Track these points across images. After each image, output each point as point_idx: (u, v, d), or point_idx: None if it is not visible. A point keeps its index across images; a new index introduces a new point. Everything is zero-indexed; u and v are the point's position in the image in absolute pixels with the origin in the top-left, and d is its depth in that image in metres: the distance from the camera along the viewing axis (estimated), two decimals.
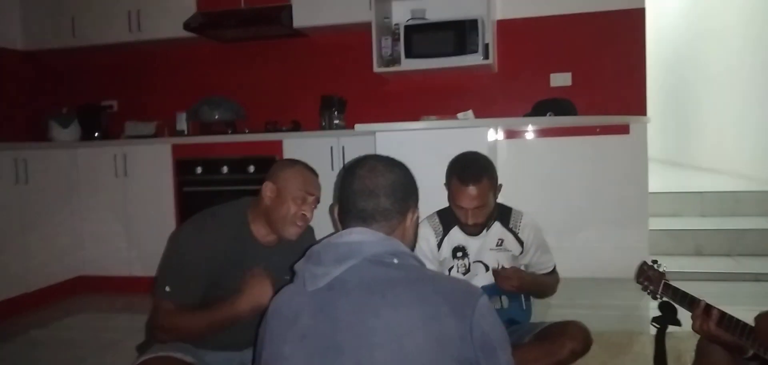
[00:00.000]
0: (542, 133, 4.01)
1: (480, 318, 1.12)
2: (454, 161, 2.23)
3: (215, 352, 1.96)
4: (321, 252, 1.19)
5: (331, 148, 3.74)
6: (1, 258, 3.66)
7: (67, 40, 4.51)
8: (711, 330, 1.52)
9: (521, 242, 2.30)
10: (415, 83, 4.30)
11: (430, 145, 3.03)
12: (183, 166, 4.00)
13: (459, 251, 2.29)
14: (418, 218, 1.35)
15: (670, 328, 1.81)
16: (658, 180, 5.50)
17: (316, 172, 2.02)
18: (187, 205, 3.94)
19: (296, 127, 4.22)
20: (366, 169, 1.27)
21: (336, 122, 4.13)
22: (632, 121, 3.85)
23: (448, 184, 2.20)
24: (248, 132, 4.20)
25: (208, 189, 3.90)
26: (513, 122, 3.93)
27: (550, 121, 3.66)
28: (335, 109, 4.15)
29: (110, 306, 3.93)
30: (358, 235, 1.20)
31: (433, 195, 2.29)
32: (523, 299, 2.35)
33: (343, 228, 1.24)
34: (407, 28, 3.98)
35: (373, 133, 3.21)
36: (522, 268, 2.36)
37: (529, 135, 4.07)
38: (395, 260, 1.18)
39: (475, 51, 3.85)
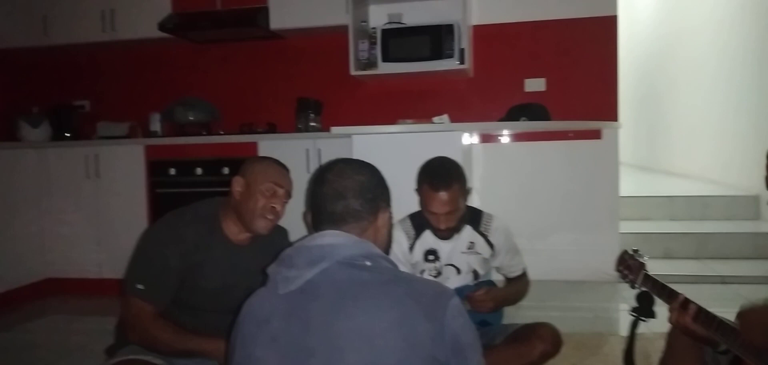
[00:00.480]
0: (516, 137, 4.05)
1: (451, 320, 1.13)
2: (424, 168, 2.25)
3: (186, 359, 1.94)
4: (293, 255, 1.20)
5: (307, 150, 3.73)
6: None
7: (38, 38, 4.45)
8: (687, 324, 1.55)
9: (492, 245, 2.33)
10: (392, 87, 4.32)
11: (406, 148, 3.05)
12: (156, 167, 3.96)
13: (430, 255, 2.31)
14: (390, 218, 1.36)
15: (640, 329, 1.84)
16: (629, 185, 5.61)
17: (287, 167, 2.02)
18: (160, 207, 3.90)
19: (272, 129, 4.21)
20: (334, 173, 1.27)
21: (312, 124, 4.12)
22: (604, 126, 3.92)
23: (419, 190, 2.23)
24: (223, 134, 4.18)
25: (182, 191, 3.87)
26: (488, 126, 3.97)
27: (524, 125, 3.70)
28: (311, 111, 4.15)
29: (79, 308, 3.87)
30: (331, 238, 1.20)
31: (409, 198, 2.32)
32: None
33: (315, 232, 1.24)
34: (384, 31, 4.01)
35: (350, 136, 3.22)
36: (493, 271, 2.39)
37: (504, 139, 4.12)
38: (368, 263, 1.18)
39: (451, 56, 3.89)
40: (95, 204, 4.06)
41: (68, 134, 4.45)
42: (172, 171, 3.92)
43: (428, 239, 2.31)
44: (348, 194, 1.24)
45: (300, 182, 2.07)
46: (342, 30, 4.00)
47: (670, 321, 1.60)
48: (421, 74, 4.07)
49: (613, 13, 4.05)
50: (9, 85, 4.78)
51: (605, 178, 3.94)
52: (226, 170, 3.79)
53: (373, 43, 4.06)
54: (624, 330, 1.87)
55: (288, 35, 4.33)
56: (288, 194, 1.98)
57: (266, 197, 1.90)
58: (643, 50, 8.45)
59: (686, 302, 1.56)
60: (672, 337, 1.71)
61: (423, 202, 2.21)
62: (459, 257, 2.32)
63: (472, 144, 3.85)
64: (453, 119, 3.54)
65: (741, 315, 1.42)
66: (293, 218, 2.14)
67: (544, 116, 3.67)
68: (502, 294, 2.34)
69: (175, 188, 3.91)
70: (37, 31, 4.42)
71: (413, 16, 4.09)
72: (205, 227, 1.95)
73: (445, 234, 2.26)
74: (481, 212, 2.38)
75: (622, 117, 4.21)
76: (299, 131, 4.11)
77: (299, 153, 3.72)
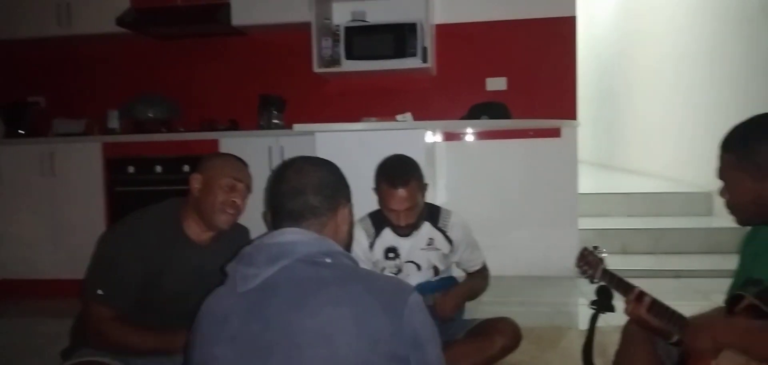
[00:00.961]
0: (478, 135, 4.11)
1: (410, 315, 1.14)
2: (381, 167, 2.28)
3: (145, 359, 1.91)
4: (252, 253, 1.19)
5: (270, 148, 3.71)
6: None
7: None
8: (642, 315, 1.61)
9: (450, 241, 2.36)
10: (355, 85, 4.32)
11: (369, 146, 3.05)
12: (114, 165, 3.88)
13: (391, 252, 2.33)
14: (351, 214, 1.36)
15: (598, 323, 1.90)
16: (588, 182, 5.73)
17: (246, 162, 2.01)
18: (119, 205, 3.83)
19: (234, 126, 4.17)
20: (293, 170, 1.28)
21: (275, 121, 4.10)
22: (563, 125, 4.00)
23: (378, 189, 2.25)
24: (183, 131, 4.12)
25: (141, 189, 3.80)
26: (450, 124, 4.01)
27: (485, 124, 3.75)
28: (274, 108, 4.12)
29: (34, 310, 3.76)
30: (291, 235, 1.20)
31: (370, 196, 2.33)
32: None
33: (275, 230, 1.24)
34: (347, 29, 4.01)
35: (312, 133, 3.21)
36: (453, 266, 2.43)
37: (466, 138, 4.16)
38: (328, 260, 1.18)
39: (414, 54, 3.91)
40: (51, 203, 3.96)
41: (22, 131, 4.31)
42: (131, 169, 3.85)
43: (388, 236, 2.33)
44: (307, 190, 1.24)
45: (262, 179, 2.05)
46: (305, 27, 3.98)
47: (627, 312, 1.65)
48: (385, 72, 4.08)
49: (573, 13, 4.13)
50: None
51: (565, 175, 4.02)
52: (186, 168, 3.73)
53: (336, 41, 4.06)
54: (582, 324, 1.93)
55: (250, 32, 4.29)
56: (248, 189, 1.97)
57: (225, 192, 1.89)
58: (602, 51, 8.63)
59: (641, 294, 1.62)
60: (627, 332, 1.77)
61: (382, 200, 2.23)
62: (419, 253, 2.34)
63: (435, 142, 3.88)
64: (416, 117, 3.56)
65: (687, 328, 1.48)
66: (254, 217, 2.12)
67: (505, 115, 3.73)
68: (461, 292, 2.37)
69: (134, 187, 3.84)
70: None
71: (376, 15, 4.10)
72: (166, 228, 1.92)
73: (405, 231, 2.28)
74: (440, 209, 2.41)
75: (582, 116, 4.30)
76: (262, 128, 4.08)
77: (261, 151, 3.69)
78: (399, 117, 3.40)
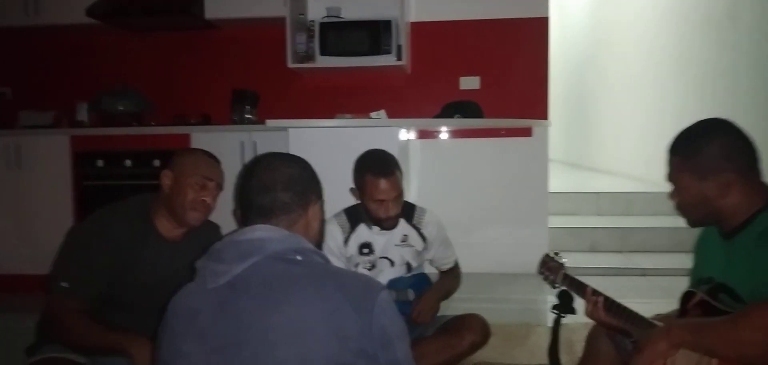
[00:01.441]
0: (451, 134, 4.14)
1: (380, 313, 1.14)
2: (363, 160, 2.28)
3: (112, 357, 1.89)
4: (222, 250, 1.19)
5: (242, 143, 3.68)
6: None
7: None
8: (600, 316, 1.65)
9: (424, 238, 2.39)
10: (330, 81, 4.31)
11: (343, 143, 3.05)
12: (83, 159, 3.81)
13: (365, 248, 2.34)
14: (322, 210, 1.36)
15: (565, 320, 1.94)
16: (558, 181, 5.81)
17: (218, 159, 1.99)
18: (88, 200, 3.76)
19: (206, 120, 4.13)
20: (263, 166, 1.27)
21: (248, 116, 4.06)
22: (535, 124, 4.05)
23: (361, 182, 2.24)
24: (154, 125, 4.06)
25: (110, 184, 3.74)
26: (423, 122, 4.03)
27: (458, 122, 3.78)
28: (247, 103, 4.09)
29: None
30: (261, 232, 1.20)
31: (345, 192, 2.34)
32: None
33: (245, 227, 1.24)
34: (322, 25, 3.99)
35: (286, 129, 3.20)
36: (426, 263, 2.45)
37: (439, 136, 4.19)
38: (298, 258, 1.18)
39: (389, 52, 3.92)
40: (16, 197, 3.87)
41: None
42: (100, 163, 3.79)
43: (363, 232, 2.34)
44: (277, 186, 1.24)
45: (235, 175, 2.03)
46: (279, 22, 3.96)
47: (586, 313, 1.69)
48: (359, 69, 4.08)
49: (545, 14, 4.18)
50: None
51: (535, 174, 4.07)
52: (157, 163, 3.68)
53: (311, 37, 4.04)
54: (551, 321, 1.97)
55: (223, 25, 4.24)
56: (219, 187, 1.96)
57: (196, 191, 1.88)
58: (573, 52, 8.75)
59: (597, 295, 1.66)
60: (591, 337, 1.82)
61: (366, 193, 2.22)
62: (393, 250, 2.36)
63: (408, 140, 3.90)
64: (390, 115, 3.57)
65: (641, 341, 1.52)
66: (225, 214, 2.11)
67: (478, 114, 3.76)
68: (437, 296, 2.39)
69: (104, 181, 3.77)
70: None
71: (351, 11, 4.10)
72: (136, 223, 1.91)
73: (389, 224, 2.28)
74: (414, 206, 2.43)
75: (553, 116, 4.36)
76: (234, 123, 4.04)
77: (234, 146, 3.66)
78: (373, 114, 3.41)
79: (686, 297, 1.56)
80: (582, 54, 8.53)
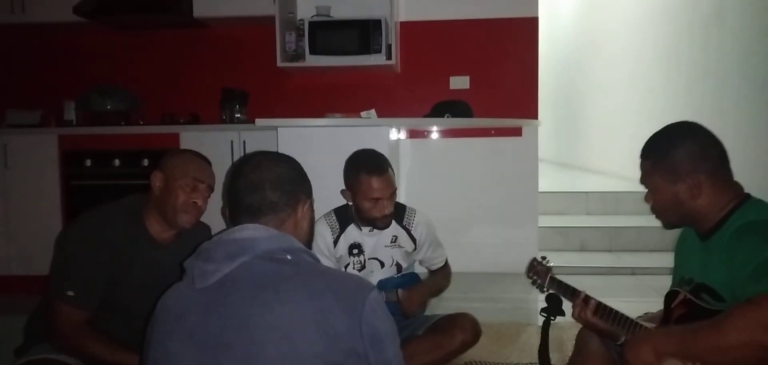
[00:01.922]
0: (441, 133, 4.14)
1: (370, 313, 1.14)
2: (356, 159, 2.28)
3: None
4: (211, 249, 1.18)
5: (232, 142, 3.67)
6: None
7: None
8: (588, 319, 1.66)
9: (414, 239, 2.38)
10: (319, 80, 4.30)
11: (332, 142, 3.05)
12: (71, 158, 3.78)
13: (355, 249, 2.33)
14: (311, 209, 1.35)
15: (555, 319, 1.95)
16: (548, 181, 5.84)
17: (209, 160, 1.98)
18: (76, 200, 3.73)
19: (195, 120, 4.10)
20: (252, 165, 1.26)
21: (237, 115, 4.05)
22: (524, 124, 4.06)
23: (355, 181, 2.23)
24: (143, 124, 4.04)
25: (99, 183, 3.71)
26: (413, 122, 4.03)
27: (448, 122, 3.79)
28: (237, 102, 4.07)
29: None
30: (250, 231, 1.19)
31: (335, 192, 2.33)
32: None
33: (233, 226, 1.23)
34: (312, 24, 3.98)
35: (275, 128, 3.19)
36: (417, 263, 2.45)
37: (429, 135, 4.19)
38: (288, 257, 1.18)
39: (379, 51, 3.91)
40: (4, 197, 3.82)
41: None
42: (89, 162, 3.76)
43: (353, 233, 2.33)
44: (265, 186, 1.24)
45: (224, 174, 2.03)
46: (269, 20, 3.94)
47: (574, 316, 1.70)
48: (349, 68, 4.07)
49: (535, 14, 4.19)
50: None
51: (525, 174, 4.09)
52: (146, 162, 3.67)
53: (300, 35, 4.03)
54: (541, 322, 1.98)
55: (212, 24, 4.22)
56: (210, 188, 1.94)
57: (186, 193, 1.86)
58: (563, 52, 8.79)
59: (587, 298, 1.68)
60: (580, 337, 1.83)
61: (360, 192, 2.21)
62: (383, 251, 2.35)
63: (399, 139, 3.90)
64: (380, 114, 3.57)
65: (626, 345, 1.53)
66: (215, 214, 2.10)
67: (468, 113, 3.77)
68: (426, 289, 2.40)
69: (92, 181, 3.74)
70: None
71: (341, 10, 4.09)
72: (129, 226, 1.89)
73: (384, 224, 2.27)
74: (405, 207, 2.42)
75: (542, 116, 4.37)
76: (224, 122, 4.02)
77: (223, 145, 3.65)
78: (363, 114, 3.40)
79: (670, 296, 1.57)
80: (571, 54, 8.57)
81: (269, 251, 1.17)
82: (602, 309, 1.64)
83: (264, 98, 4.25)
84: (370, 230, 2.32)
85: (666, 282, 1.76)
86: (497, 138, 4.05)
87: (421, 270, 2.56)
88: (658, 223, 1.64)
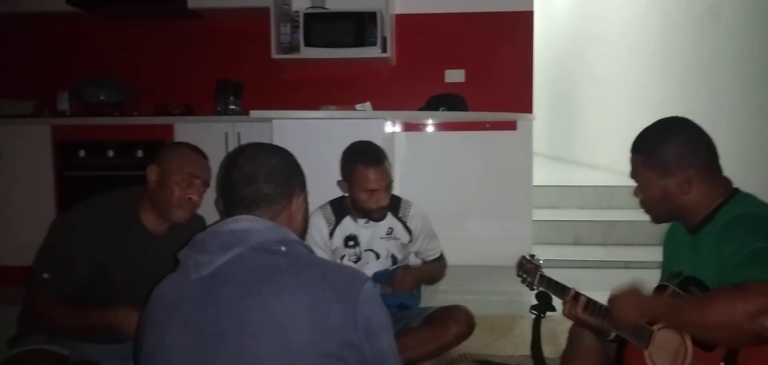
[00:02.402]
0: (436, 126, 4.14)
1: (364, 304, 1.14)
2: (351, 151, 2.28)
3: (96, 344, 1.87)
4: (205, 240, 1.18)
5: (226, 134, 3.66)
6: None
7: None
8: (578, 315, 1.67)
9: (410, 231, 2.39)
10: (314, 72, 4.30)
11: (327, 135, 3.05)
12: (64, 149, 3.76)
13: (350, 241, 2.34)
14: (305, 202, 1.36)
15: (548, 312, 1.96)
16: (543, 174, 5.85)
17: (206, 154, 1.97)
18: (69, 191, 3.72)
19: (189, 111, 4.09)
20: (245, 157, 1.26)
21: (232, 107, 4.03)
22: (519, 118, 4.06)
23: (351, 173, 2.23)
24: (137, 115, 4.02)
25: (92, 174, 3.69)
26: (408, 115, 4.03)
27: (443, 115, 3.79)
28: (231, 94, 4.06)
29: None
30: (245, 223, 1.19)
31: (330, 184, 2.33)
32: None
33: (228, 217, 1.23)
34: (307, 16, 3.97)
35: (270, 120, 3.18)
36: (412, 255, 2.46)
37: (424, 128, 4.19)
38: (283, 248, 1.18)
39: (374, 44, 3.90)
40: None
41: None
42: (82, 153, 3.74)
43: (348, 225, 2.34)
44: (259, 178, 1.23)
45: (218, 166, 2.02)
46: (263, 12, 3.93)
47: (564, 313, 1.71)
48: (344, 61, 4.06)
49: (530, 8, 4.19)
50: None
51: (520, 167, 4.09)
52: (140, 153, 3.65)
53: (295, 27, 4.01)
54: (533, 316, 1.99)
55: (207, 15, 4.20)
56: (205, 184, 1.93)
57: (182, 188, 1.86)
58: (557, 47, 8.80)
59: (577, 295, 1.69)
60: (573, 332, 1.84)
61: (356, 183, 2.22)
62: (378, 242, 2.36)
63: (394, 132, 3.90)
64: (375, 107, 3.56)
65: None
66: (210, 207, 2.09)
67: (463, 107, 3.77)
68: (420, 272, 2.41)
69: (86, 171, 3.72)
70: None
71: (336, 2, 4.07)
72: (122, 217, 1.89)
73: (379, 215, 2.27)
74: (400, 199, 2.43)
75: (537, 110, 4.38)
76: (218, 113, 4.01)
77: (218, 137, 3.63)
78: (358, 106, 3.40)
79: (658, 290, 1.59)
80: (566, 49, 8.58)
81: (263, 243, 1.17)
82: (592, 306, 1.65)
83: (259, 90, 4.24)
84: (365, 222, 2.32)
85: (659, 276, 1.77)
86: (492, 132, 4.05)
87: (415, 263, 2.57)
88: None
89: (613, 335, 1.63)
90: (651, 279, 1.71)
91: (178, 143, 2.02)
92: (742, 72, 4.45)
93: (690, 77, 5.24)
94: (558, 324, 2.66)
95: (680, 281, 1.55)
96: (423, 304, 2.48)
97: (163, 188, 1.86)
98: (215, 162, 2.00)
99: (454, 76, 4.23)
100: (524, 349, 2.67)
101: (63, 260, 1.79)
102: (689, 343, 1.43)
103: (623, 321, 1.53)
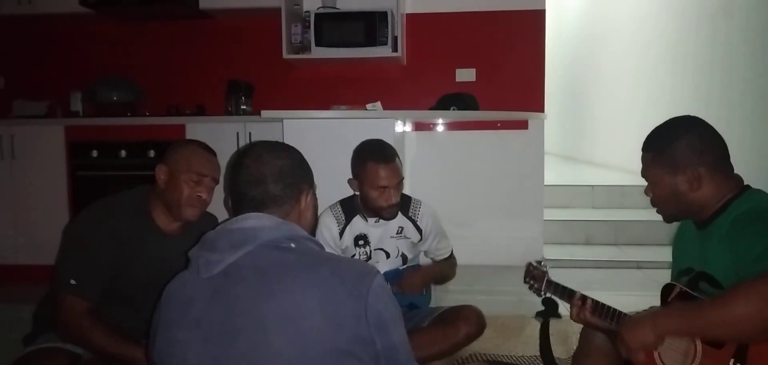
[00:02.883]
0: (447, 126, 4.14)
1: (374, 298, 1.14)
2: (362, 148, 2.28)
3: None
4: (216, 239, 1.18)
5: (238, 134, 3.67)
6: None
7: None
8: (587, 318, 1.67)
9: (420, 230, 2.39)
10: (325, 72, 4.30)
11: (338, 134, 3.05)
12: (77, 149, 3.79)
13: (361, 240, 2.34)
14: (314, 199, 1.35)
15: (560, 309, 1.96)
16: (554, 174, 5.83)
17: (214, 151, 1.97)
18: (82, 190, 3.75)
19: (200, 111, 4.11)
20: (252, 158, 1.26)
21: (243, 107, 4.05)
22: (531, 117, 4.05)
23: (362, 170, 2.23)
24: (149, 115, 4.05)
25: (105, 174, 3.72)
26: (419, 114, 4.03)
27: (454, 114, 3.78)
28: (242, 94, 4.07)
29: None
30: (254, 220, 1.19)
31: (340, 183, 2.33)
32: None
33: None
34: (317, 15, 3.98)
35: (281, 120, 3.19)
36: (421, 254, 2.46)
37: (435, 127, 4.19)
38: (292, 245, 1.18)
39: (385, 43, 3.91)
40: (11, 187, 3.84)
41: None
42: (95, 153, 3.77)
43: (359, 224, 2.34)
44: (267, 179, 1.23)
45: (226, 166, 2.03)
46: (275, 12, 3.94)
47: (572, 317, 1.71)
48: (355, 60, 4.07)
49: (542, 7, 4.18)
50: None
51: (531, 167, 4.08)
52: (152, 153, 3.68)
53: (306, 27, 4.03)
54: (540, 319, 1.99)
55: (218, 16, 4.22)
56: (214, 181, 1.93)
57: (191, 187, 1.86)
58: (570, 45, 8.75)
59: (584, 298, 1.69)
60: (585, 332, 1.84)
61: (367, 181, 2.21)
62: (389, 241, 2.36)
63: (404, 132, 3.90)
64: (386, 106, 3.56)
65: (625, 329, 1.53)
66: (220, 205, 2.10)
67: (474, 106, 3.76)
68: (429, 272, 2.41)
69: (98, 171, 3.75)
70: None
71: (347, 2, 4.08)
72: (136, 217, 1.89)
73: (390, 213, 2.27)
74: (410, 198, 2.43)
75: (549, 109, 4.36)
76: (229, 114, 4.03)
77: (229, 137, 3.65)
78: (369, 106, 3.40)
79: (666, 289, 1.59)
80: (578, 48, 8.53)
81: (273, 240, 1.17)
82: (600, 308, 1.65)
83: (270, 90, 4.25)
84: (375, 221, 2.32)
85: (669, 277, 1.76)
86: (503, 131, 4.04)
87: (425, 262, 2.57)
88: None
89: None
90: (663, 278, 1.69)
91: (185, 141, 2.02)
92: (756, 70, 4.41)
93: (703, 76, 5.20)
94: (569, 325, 2.64)
95: (690, 278, 1.54)
96: (433, 304, 2.48)
97: (173, 188, 1.86)
98: (226, 163, 2.01)
99: (465, 75, 4.22)
100: (534, 349, 2.66)
101: (87, 264, 1.79)
102: (699, 341, 1.42)
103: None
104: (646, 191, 1.64)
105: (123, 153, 3.75)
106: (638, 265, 4.09)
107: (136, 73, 4.30)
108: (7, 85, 4.51)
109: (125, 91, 4.15)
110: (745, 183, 1.54)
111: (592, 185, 5.40)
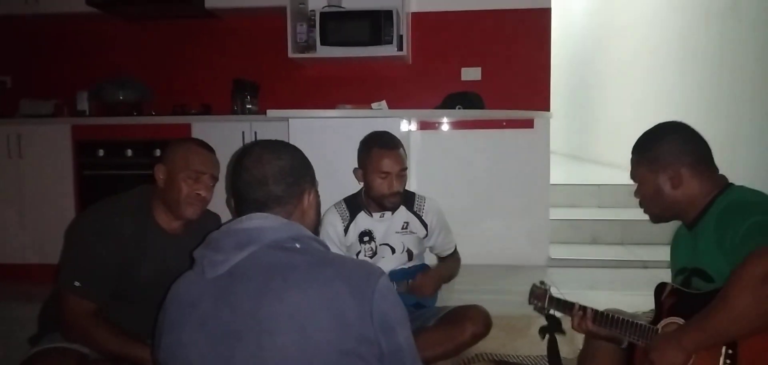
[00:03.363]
0: (452, 125, 4.13)
1: (380, 299, 1.14)
2: (368, 139, 2.31)
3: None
4: (220, 239, 1.18)
5: (243, 133, 3.68)
6: None
7: None
8: (588, 328, 1.69)
9: (426, 225, 2.39)
10: (330, 71, 4.30)
11: (343, 133, 3.05)
12: (84, 148, 3.81)
13: (366, 236, 2.34)
14: (316, 197, 1.34)
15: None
16: (560, 173, 5.80)
17: (212, 148, 1.96)
18: (88, 189, 3.77)
19: (206, 111, 4.12)
20: (253, 159, 1.25)
21: (248, 106, 4.06)
22: (536, 116, 4.04)
23: (366, 158, 2.25)
24: (155, 115, 4.06)
25: (111, 173, 3.74)
26: (425, 113, 4.02)
27: (460, 113, 3.77)
28: (248, 93, 4.08)
29: (1, 295, 3.68)
30: (258, 221, 1.19)
31: (345, 182, 2.33)
32: None
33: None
34: (323, 15, 3.98)
35: (286, 119, 3.19)
36: (427, 250, 2.46)
37: (440, 126, 4.18)
38: (297, 245, 1.18)
39: (390, 42, 3.90)
40: (18, 186, 3.86)
41: None
42: (101, 152, 3.78)
43: (363, 220, 2.34)
44: (268, 180, 1.22)
45: (228, 165, 2.02)
46: (280, 12, 3.95)
47: (573, 327, 1.74)
48: (360, 59, 4.07)
49: (548, 5, 4.16)
50: None
51: (537, 166, 4.06)
52: (157, 152, 3.67)
53: (311, 26, 4.03)
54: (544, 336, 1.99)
55: (224, 15, 4.23)
56: (213, 178, 1.92)
57: (189, 185, 1.85)
58: (575, 44, 8.72)
59: (584, 309, 1.71)
60: (588, 339, 1.84)
61: (372, 167, 2.23)
62: (394, 237, 2.36)
63: (410, 131, 3.89)
64: (391, 106, 3.56)
65: (653, 352, 1.53)
66: (222, 203, 2.10)
67: (479, 105, 3.75)
68: (438, 275, 2.41)
69: (104, 170, 3.77)
70: None
71: (352, 1, 4.08)
72: (139, 218, 1.89)
73: (392, 203, 2.28)
74: (415, 194, 2.44)
75: (555, 108, 4.34)
76: (235, 113, 4.04)
77: (235, 136, 3.65)
78: (374, 105, 3.40)
79: (659, 288, 1.63)
80: (584, 46, 8.50)
81: (278, 241, 1.17)
82: (600, 316, 1.67)
83: (275, 89, 4.26)
84: (380, 216, 2.32)
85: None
86: (509, 130, 4.03)
87: (430, 260, 2.56)
88: None
89: (626, 343, 1.64)
90: (669, 278, 1.70)
91: (182, 139, 2.01)
92: (765, 68, 4.37)
93: (711, 74, 5.16)
94: None
95: (687, 275, 1.59)
96: (439, 303, 2.47)
97: (172, 187, 1.86)
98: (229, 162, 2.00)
99: (471, 74, 4.22)
100: (541, 349, 2.64)
101: (91, 265, 1.78)
102: None
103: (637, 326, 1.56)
104: (635, 193, 1.72)
105: (129, 152, 3.76)
106: (645, 265, 4.07)
107: (142, 73, 4.31)
108: (13, 84, 4.53)
109: (131, 90, 4.16)
110: (728, 181, 1.60)
111: (599, 185, 5.37)
